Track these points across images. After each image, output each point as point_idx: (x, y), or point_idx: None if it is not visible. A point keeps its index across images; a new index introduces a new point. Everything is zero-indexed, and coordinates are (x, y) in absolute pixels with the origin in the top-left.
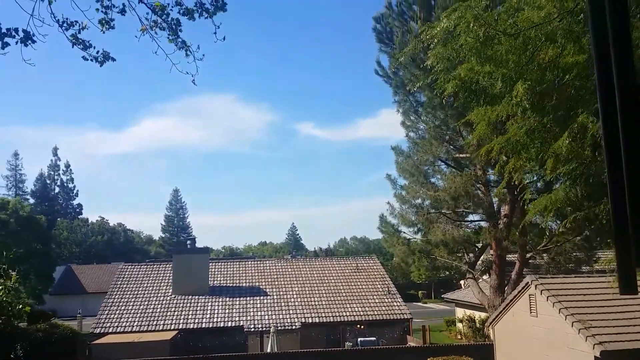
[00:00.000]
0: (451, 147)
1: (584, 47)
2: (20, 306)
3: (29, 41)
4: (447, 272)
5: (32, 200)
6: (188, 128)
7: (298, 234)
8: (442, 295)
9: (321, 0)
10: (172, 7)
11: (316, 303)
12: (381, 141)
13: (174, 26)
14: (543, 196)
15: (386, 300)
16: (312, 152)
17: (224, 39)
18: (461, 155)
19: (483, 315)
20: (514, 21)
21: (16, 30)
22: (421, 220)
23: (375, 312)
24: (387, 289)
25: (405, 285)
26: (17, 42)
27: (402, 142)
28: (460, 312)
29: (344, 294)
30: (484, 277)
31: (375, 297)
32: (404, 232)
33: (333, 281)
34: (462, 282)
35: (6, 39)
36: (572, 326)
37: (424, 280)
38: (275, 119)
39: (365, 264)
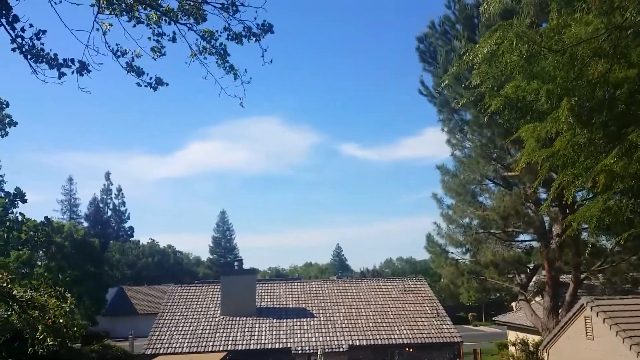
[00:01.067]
0: (499, 165)
1: (634, 62)
2: (76, 328)
3: (85, 71)
4: (498, 294)
5: (85, 224)
6: (233, 151)
7: (343, 255)
8: (493, 318)
9: (363, 21)
10: (221, 33)
11: (363, 325)
12: (425, 160)
13: (222, 51)
14: (582, 207)
15: (435, 322)
16: (355, 173)
17: (271, 61)
18: (509, 174)
19: (537, 338)
20: (560, 38)
21: (72, 60)
22: (469, 240)
23: (424, 335)
24: (435, 311)
25: (454, 307)
26: (73, 72)
27: (448, 161)
28: (512, 335)
29: (391, 316)
30: (537, 298)
31: (423, 319)
32: (452, 253)
33: (380, 303)
34: (513, 304)
35: (63, 69)
36: (630, 349)
37: (473, 302)
38: (318, 141)
39: (412, 285)
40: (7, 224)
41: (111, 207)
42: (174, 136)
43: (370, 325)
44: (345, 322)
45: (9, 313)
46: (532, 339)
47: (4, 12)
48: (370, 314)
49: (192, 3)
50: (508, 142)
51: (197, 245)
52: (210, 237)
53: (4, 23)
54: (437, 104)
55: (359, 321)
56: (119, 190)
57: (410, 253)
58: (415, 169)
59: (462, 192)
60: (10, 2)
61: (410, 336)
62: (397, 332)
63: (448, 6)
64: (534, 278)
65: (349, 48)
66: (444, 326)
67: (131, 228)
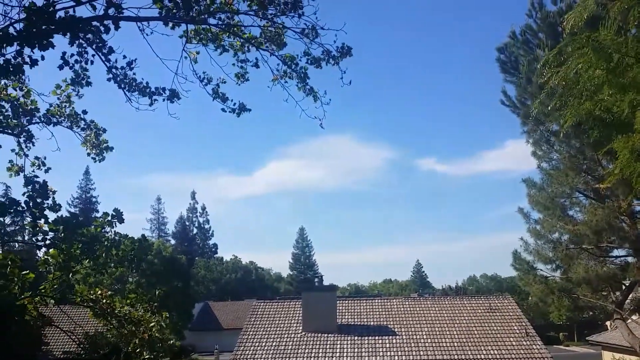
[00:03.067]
0: (589, 177)
1: None
2: (171, 342)
3: (175, 98)
4: (591, 312)
5: (173, 241)
6: (310, 168)
7: (424, 272)
8: (587, 338)
9: (438, 34)
10: (301, 57)
11: (448, 344)
12: (508, 173)
13: (302, 75)
14: None
15: (524, 342)
16: (434, 188)
17: (350, 83)
18: (602, 186)
19: (634, 359)
20: None
21: (163, 89)
22: (559, 256)
23: (513, 356)
24: (524, 331)
25: (543, 326)
26: (164, 100)
27: (534, 173)
28: (607, 356)
29: (477, 335)
30: (634, 317)
31: (512, 339)
32: (541, 270)
33: (465, 321)
34: (608, 323)
35: (155, 97)
36: None
37: (564, 321)
38: (394, 156)
39: (499, 304)
40: (106, 243)
41: (196, 225)
42: (254, 156)
43: (455, 344)
44: (429, 340)
45: (108, 328)
46: (629, 359)
47: (100, 44)
48: (455, 332)
49: (274, 30)
50: (600, 154)
51: (277, 261)
52: (290, 254)
53: (100, 55)
54: (521, 115)
55: (443, 340)
56: (204, 209)
57: (495, 270)
58: (498, 182)
59: (551, 206)
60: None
61: (498, 356)
62: (484, 352)
63: (529, 15)
64: (630, 295)
65: (425, 61)
66: (534, 346)
67: (215, 245)
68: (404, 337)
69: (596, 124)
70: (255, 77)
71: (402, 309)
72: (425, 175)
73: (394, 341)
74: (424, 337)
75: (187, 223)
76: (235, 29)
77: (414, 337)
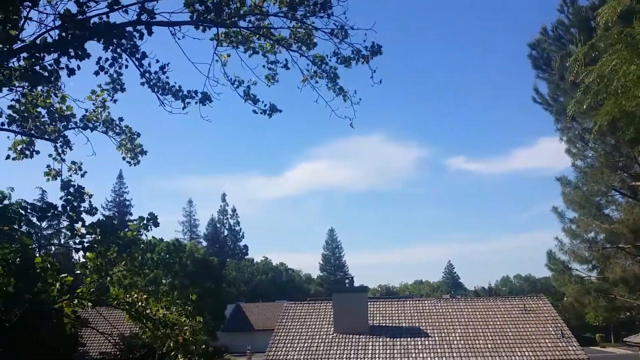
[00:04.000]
0: (625, 174)
1: None
2: (204, 346)
3: (207, 101)
4: (629, 313)
5: (204, 243)
6: (339, 169)
7: (455, 272)
8: (624, 339)
9: (468, 29)
10: (330, 57)
11: (482, 346)
12: (541, 172)
13: (332, 74)
14: None
15: (560, 344)
16: (464, 187)
17: (380, 82)
18: (638, 183)
19: None
20: None
21: (195, 92)
22: (596, 256)
23: (548, 357)
24: (560, 332)
25: (579, 327)
26: (196, 102)
27: (568, 171)
28: None
29: (511, 337)
30: None
31: (547, 340)
32: (576, 270)
33: (499, 323)
34: None
35: (187, 100)
36: None
37: (601, 322)
38: (424, 155)
39: (533, 305)
40: (142, 246)
41: (227, 227)
42: (284, 157)
43: (489, 346)
44: (462, 342)
45: (143, 330)
46: None
47: (133, 50)
48: (489, 334)
49: (303, 31)
50: (637, 151)
51: (307, 262)
52: (320, 255)
53: (134, 60)
54: (554, 112)
55: (477, 342)
56: (234, 210)
57: (528, 270)
58: (530, 181)
59: (586, 205)
60: (137, 41)
61: (533, 358)
62: (519, 353)
63: (561, 10)
64: None
65: (454, 59)
66: (570, 348)
67: (246, 247)
68: (437, 338)
69: (632, 120)
70: (284, 78)
71: (434, 311)
72: (455, 174)
73: (427, 343)
74: (457, 338)
75: (218, 225)
76: (265, 30)
77: (447, 338)
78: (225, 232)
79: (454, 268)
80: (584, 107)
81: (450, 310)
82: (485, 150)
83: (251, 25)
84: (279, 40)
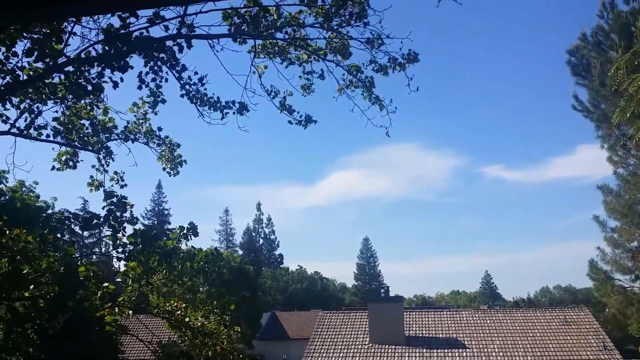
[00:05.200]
0: None
1: None
2: (241, 355)
3: (244, 111)
4: None
5: (240, 252)
6: (373, 178)
7: (493, 282)
8: None
9: (505, 36)
10: (366, 66)
11: (521, 358)
12: (580, 180)
13: (368, 83)
14: None
15: (602, 356)
16: (502, 196)
17: (417, 89)
18: None
19: None
20: None
21: (233, 102)
22: (639, 266)
23: None
24: (602, 344)
25: (622, 339)
26: (234, 113)
27: (610, 179)
28: None
29: (552, 349)
30: None
31: (588, 352)
32: (619, 280)
33: (539, 334)
34: None
35: (225, 111)
36: None
37: None
38: (460, 164)
39: (574, 316)
40: (182, 255)
41: (262, 235)
42: (317, 167)
43: (529, 358)
44: (501, 354)
45: (183, 339)
46: None
47: (174, 63)
48: (528, 346)
49: (339, 41)
50: None
51: (342, 271)
52: (355, 264)
53: (174, 73)
54: (594, 119)
55: (516, 354)
56: (269, 220)
57: (568, 280)
58: (570, 189)
59: (629, 214)
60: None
61: None
62: None
63: (600, 16)
64: None
65: (490, 66)
66: None
67: (281, 255)
68: (475, 350)
69: None
70: (319, 88)
71: (471, 321)
72: (492, 183)
73: (464, 354)
74: (496, 350)
75: (253, 234)
76: (301, 41)
77: (485, 350)
78: (261, 241)
79: (491, 278)
80: (627, 115)
81: (488, 321)
82: (523, 159)
83: (287, 36)
84: (315, 51)
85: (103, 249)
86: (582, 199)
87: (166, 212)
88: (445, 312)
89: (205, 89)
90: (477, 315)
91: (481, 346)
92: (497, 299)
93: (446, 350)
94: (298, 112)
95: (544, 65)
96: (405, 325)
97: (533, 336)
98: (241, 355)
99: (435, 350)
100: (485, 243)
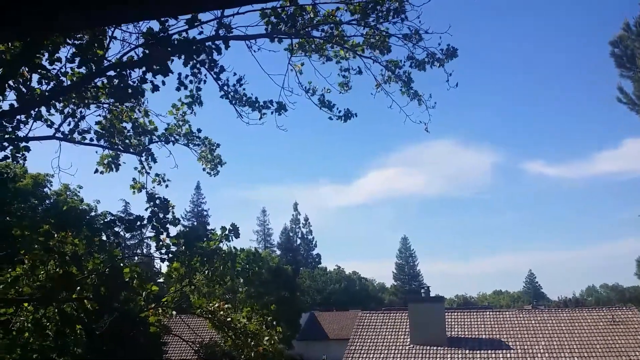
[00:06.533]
0: None
1: None
2: (284, 357)
3: (282, 110)
4: None
5: (278, 252)
6: (410, 176)
7: (537, 282)
8: None
9: (544, 28)
10: (404, 61)
11: (568, 359)
12: (626, 175)
13: (406, 79)
14: None
15: None
16: (543, 192)
17: (456, 85)
18: None
19: None
20: None
21: (271, 102)
22: None
23: None
24: None
25: None
26: (272, 112)
27: None
28: None
29: (599, 350)
30: None
31: (637, 353)
32: None
33: (586, 335)
34: None
35: (264, 111)
36: None
37: None
38: (500, 160)
39: (622, 315)
40: (223, 256)
41: (299, 235)
42: (353, 166)
43: (576, 359)
44: (547, 355)
45: (225, 339)
46: None
47: (212, 64)
48: (575, 347)
49: (377, 37)
50: None
51: (380, 271)
52: (393, 264)
53: (212, 74)
54: None
55: (563, 355)
56: (306, 219)
57: (615, 279)
58: (615, 184)
59: None
60: (214, 56)
61: None
62: None
63: None
64: None
65: (530, 58)
66: None
67: (318, 255)
68: (519, 351)
69: None
70: (356, 85)
71: (516, 322)
72: (534, 179)
73: (508, 355)
74: (541, 351)
75: (291, 234)
76: (338, 38)
77: (530, 351)
78: (298, 241)
79: (535, 277)
80: None
81: (532, 321)
82: (566, 153)
83: (324, 34)
84: (352, 47)
85: (144, 250)
86: (629, 195)
87: (205, 212)
88: (488, 313)
89: (244, 89)
90: (521, 315)
91: (526, 347)
92: (541, 299)
93: (489, 352)
94: (337, 108)
95: (587, 57)
96: (447, 325)
97: (580, 337)
98: (283, 358)
99: (478, 352)
100: (528, 241)
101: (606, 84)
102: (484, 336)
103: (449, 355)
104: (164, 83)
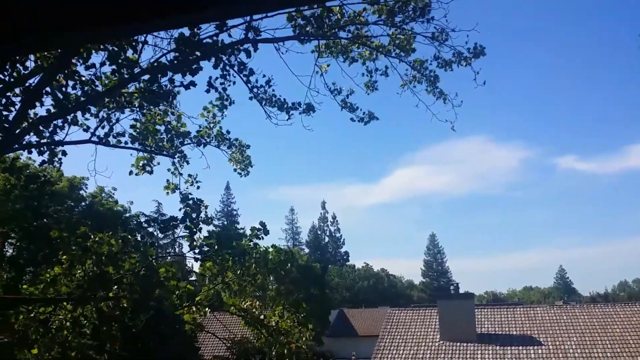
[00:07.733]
0: None
1: None
2: (315, 356)
3: (310, 111)
4: None
5: (307, 250)
6: (438, 174)
7: (568, 277)
8: None
9: (574, 22)
10: (431, 61)
11: (600, 355)
12: None
13: (432, 78)
14: None
15: None
16: (575, 188)
17: (484, 83)
18: None
19: None
20: None
21: (299, 103)
22: None
23: None
24: None
25: None
26: (300, 113)
27: None
28: None
29: (632, 346)
30: None
31: None
32: None
33: (618, 331)
34: None
35: (291, 112)
36: None
37: None
38: (529, 156)
39: None
40: (255, 254)
41: (328, 233)
42: (380, 165)
43: (608, 355)
44: (579, 351)
45: (258, 337)
46: None
47: (241, 67)
48: (607, 343)
49: (403, 37)
50: None
51: (408, 268)
52: (422, 261)
53: (242, 77)
54: None
55: (595, 351)
56: (334, 217)
57: None
58: None
59: None
60: (242, 58)
61: None
62: None
63: None
64: None
65: (559, 51)
66: None
67: (346, 253)
68: (551, 347)
69: None
70: (382, 85)
71: (546, 318)
72: (565, 174)
73: (540, 352)
74: (573, 347)
75: (319, 232)
76: (364, 39)
77: (562, 347)
78: (326, 239)
79: (566, 273)
80: None
81: (564, 317)
82: (597, 148)
83: (350, 35)
84: (378, 47)
85: (177, 250)
86: None
87: (235, 212)
88: (518, 309)
89: (273, 91)
90: (552, 311)
91: (557, 343)
92: (572, 294)
93: (520, 348)
94: (360, 109)
95: (617, 50)
96: (476, 322)
97: (612, 332)
98: (313, 355)
99: (509, 348)
100: (559, 237)
101: (638, 77)
102: (514, 332)
103: (479, 352)
104: (194, 84)
